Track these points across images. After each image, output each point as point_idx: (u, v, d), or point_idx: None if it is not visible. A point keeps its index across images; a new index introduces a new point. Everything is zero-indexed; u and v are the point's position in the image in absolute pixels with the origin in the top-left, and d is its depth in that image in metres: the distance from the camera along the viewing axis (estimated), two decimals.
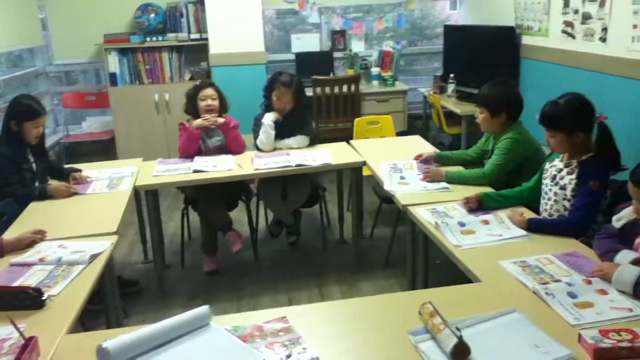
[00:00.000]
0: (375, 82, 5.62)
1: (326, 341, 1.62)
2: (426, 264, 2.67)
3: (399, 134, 4.67)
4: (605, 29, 3.58)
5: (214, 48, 5.07)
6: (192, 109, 3.62)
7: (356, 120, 4.49)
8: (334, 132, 5.06)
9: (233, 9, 5.01)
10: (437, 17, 6.35)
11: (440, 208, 2.56)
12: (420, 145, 3.72)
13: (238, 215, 4.02)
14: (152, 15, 5.25)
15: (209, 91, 3.58)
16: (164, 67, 5.29)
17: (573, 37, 3.95)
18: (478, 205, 2.51)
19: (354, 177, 3.59)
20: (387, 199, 3.02)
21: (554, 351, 1.47)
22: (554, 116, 2.36)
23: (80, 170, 3.25)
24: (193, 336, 1.63)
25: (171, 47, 5.27)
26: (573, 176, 2.34)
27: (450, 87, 5.22)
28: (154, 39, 5.23)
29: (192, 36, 5.24)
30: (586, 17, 3.78)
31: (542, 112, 2.42)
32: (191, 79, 5.30)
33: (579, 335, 1.53)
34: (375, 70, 5.66)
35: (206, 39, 5.11)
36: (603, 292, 1.77)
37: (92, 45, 5.38)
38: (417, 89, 5.91)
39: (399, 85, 5.55)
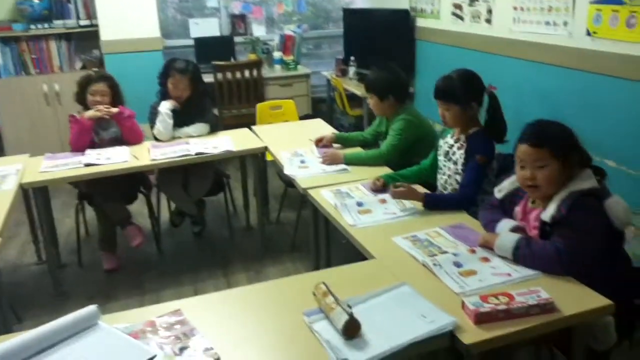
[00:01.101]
0: (277, 67, 5.60)
1: (222, 330, 1.61)
2: (328, 244, 2.71)
3: (303, 117, 4.69)
4: (490, 11, 3.77)
5: (106, 35, 4.83)
6: (82, 100, 3.43)
7: (258, 105, 4.46)
8: (237, 118, 4.99)
9: None
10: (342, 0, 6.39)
11: (343, 189, 2.60)
12: (321, 128, 3.76)
13: (140, 208, 3.89)
14: (36, 1, 4.91)
15: (100, 86, 3.36)
16: (52, 56, 4.98)
17: (462, 19, 4.12)
18: (383, 188, 2.57)
19: (256, 163, 3.57)
20: (292, 183, 3.02)
21: (439, 319, 1.54)
22: (449, 89, 2.44)
23: None
24: (80, 337, 1.55)
25: (59, 35, 4.96)
26: (462, 151, 2.45)
27: (352, 70, 5.30)
28: (40, 26, 4.90)
29: (82, 22, 4.96)
30: (473, 0, 3.95)
31: (437, 86, 2.49)
32: (83, 67, 5.03)
33: (462, 302, 1.61)
34: (277, 54, 5.64)
35: (97, 26, 4.86)
36: (486, 259, 1.87)
37: None
38: (321, 72, 5.96)
39: (302, 69, 5.57)
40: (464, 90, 2.41)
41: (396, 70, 3.06)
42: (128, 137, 3.44)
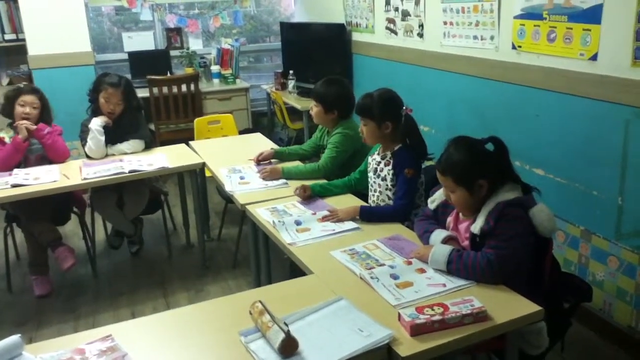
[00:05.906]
0: (216, 81, 5.54)
1: (156, 354, 1.56)
2: (268, 260, 2.69)
3: (243, 132, 4.65)
4: (421, 26, 3.87)
5: (33, 49, 4.63)
6: (8, 113, 3.30)
7: (196, 120, 4.39)
8: (175, 133, 4.90)
9: (52, 7, 4.58)
10: (283, 13, 6.41)
11: (280, 206, 2.58)
12: (261, 142, 3.74)
13: (74, 229, 3.74)
14: None
15: (31, 98, 3.29)
16: None
17: (395, 33, 4.21)
18: (308, 195, 2.61)
19: (195, 179, 3.51)
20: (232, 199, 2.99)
21: (375, 333, 1.55)
22: (367, 106, 2.52)
23: None
24: None
25: None
26: (389, 167, 2.51)
27: (291, 83, 5.31)
28: None
29: (7, 37, 4.74)
30: (405, 15, 4.05)
31: (357, 103, 2.60)
32: (10, 83, 4.82)
33: (399, 314, 1.63)
34: (215, 68, 5.58)
35: (24, 40, 4.66)
36: (422, 270, 1.90)
37: None
38: (261, 86, 5.94)
39: (240, 83, 5.52)
40: (380, 110, 2.49)
41: (347, 87, 3.12)
42: (50, 155, 3.33)
